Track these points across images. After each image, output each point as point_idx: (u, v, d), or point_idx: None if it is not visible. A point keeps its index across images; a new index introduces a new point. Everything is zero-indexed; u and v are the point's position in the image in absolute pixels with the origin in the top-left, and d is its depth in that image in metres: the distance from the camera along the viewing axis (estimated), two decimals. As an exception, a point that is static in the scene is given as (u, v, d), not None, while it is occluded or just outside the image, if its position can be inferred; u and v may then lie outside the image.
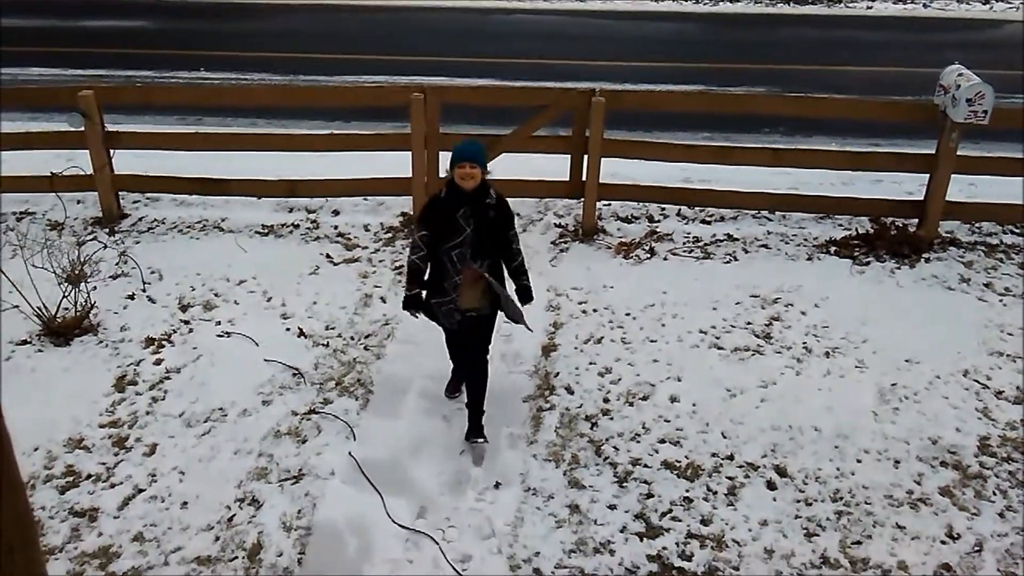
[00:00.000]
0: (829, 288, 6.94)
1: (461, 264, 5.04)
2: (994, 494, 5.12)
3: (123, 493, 5.20)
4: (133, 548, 4.85)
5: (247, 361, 6.21)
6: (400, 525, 4.91)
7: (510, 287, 5.31)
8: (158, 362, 6.25)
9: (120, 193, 8.22)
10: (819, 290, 6.92)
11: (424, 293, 5.24)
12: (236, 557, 4.78)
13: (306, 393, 5.93)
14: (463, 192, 4.98)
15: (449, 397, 5.82)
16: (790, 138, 9.83)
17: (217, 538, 4.90)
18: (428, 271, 5.18)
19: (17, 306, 6.48)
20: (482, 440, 5.39)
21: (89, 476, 5.32)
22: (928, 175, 7.43)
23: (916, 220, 7.61)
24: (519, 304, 5.31)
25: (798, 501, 5.10)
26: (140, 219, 8.19)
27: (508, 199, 5.19)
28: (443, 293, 5.16)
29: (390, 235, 7.88)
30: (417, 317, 5.30)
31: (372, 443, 5.47)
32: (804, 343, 6.34)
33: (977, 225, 7.86)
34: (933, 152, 7.36)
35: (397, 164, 7.77)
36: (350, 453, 5.40)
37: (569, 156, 7.76)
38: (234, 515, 5.04)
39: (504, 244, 5.19)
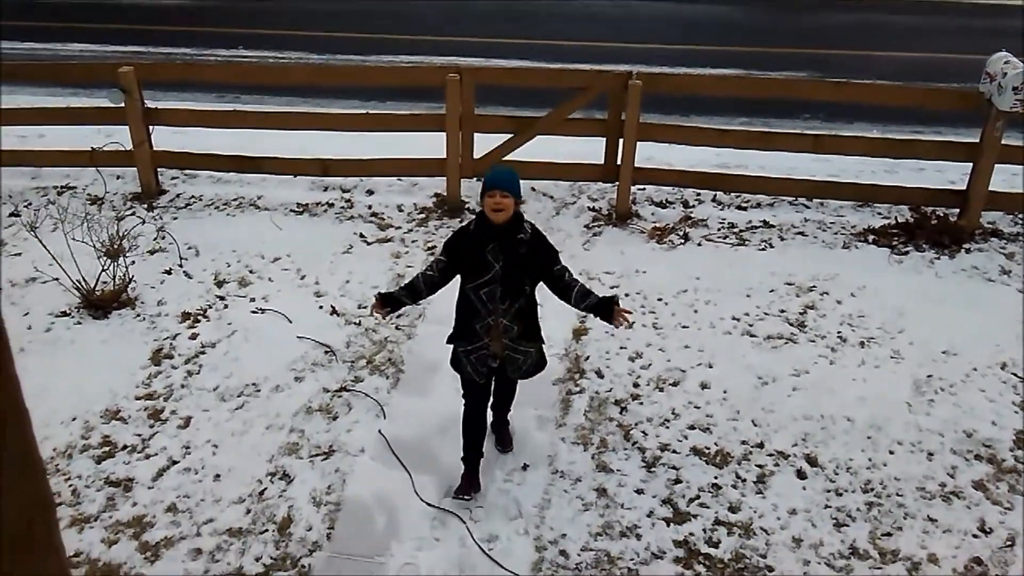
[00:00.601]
0: (866, 277, 6.85)
1: (491, 304, 4.53)
2: (1029, 489, 5.05)
3: (158, 464, 5.29)
4: (166, 518, 4.94)
5: (280, 338, 6.27)
6: (428, 503, 4.95)
7: (565, 319, 4.94)
8: (193, 336, 6.34)
9: (159, 169, 8.32)
10: (856, 279, 6.83)
11: (450, 342, 4.80)
12: (266, 530, 4.85)
13: (338, 371, 5.98)
14: (493, 226, 4.47)
15: (464, 497, 4.88)
16: (830, 124, 9.69)
17: (248, 511, 4.97)
18: (455, 314, 4.72)
19: (57, 279, 6.60)
20: (509, 449, 5.23)
21: (125, 447, 5.42)
22: (971, 164, 7.29)
23: (957, 210, 7.47)
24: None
25: (828, 491, 5.06)
26: (178, 195, 8.28)
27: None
28: (473, 337, 4.63)
29: (423, 216, 7.89)
30: (379, 317, 4.98)
31: (402, 422, 5.51)
32: (839, 332, 6.27)
33: (1020, 216, 7.70)
34: (977, 141, 7.22)
35: (432, 145, 7.78)
36: (380, 431, 5.44)
37: (604, 139, 7.72)
38: (265, 489, 5.11)
39: (555, 279, 4.62)
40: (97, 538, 4.82)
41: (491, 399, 4.98)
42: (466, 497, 4.86)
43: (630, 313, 4.67)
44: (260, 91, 10.65)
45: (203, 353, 6.18)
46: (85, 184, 8.41)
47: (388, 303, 4.78)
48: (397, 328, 6.39)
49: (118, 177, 8.42)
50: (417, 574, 4.56)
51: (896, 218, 7.58)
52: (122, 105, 7.79)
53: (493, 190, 4.43)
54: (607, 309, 4.57)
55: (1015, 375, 5.84)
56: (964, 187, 7.43)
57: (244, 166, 8.25)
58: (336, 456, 5.30)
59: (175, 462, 5.31)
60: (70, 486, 5.15)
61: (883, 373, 5.89)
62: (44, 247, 6.55)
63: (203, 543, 4.79)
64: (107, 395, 5.80)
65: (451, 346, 4.80)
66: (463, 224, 4.75)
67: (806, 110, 9.95)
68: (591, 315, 4.78)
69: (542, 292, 4.72)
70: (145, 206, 8.05)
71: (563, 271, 4.64)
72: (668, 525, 4.86)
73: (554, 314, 6.38)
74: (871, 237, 7.42)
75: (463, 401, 4.90)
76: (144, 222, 7.53)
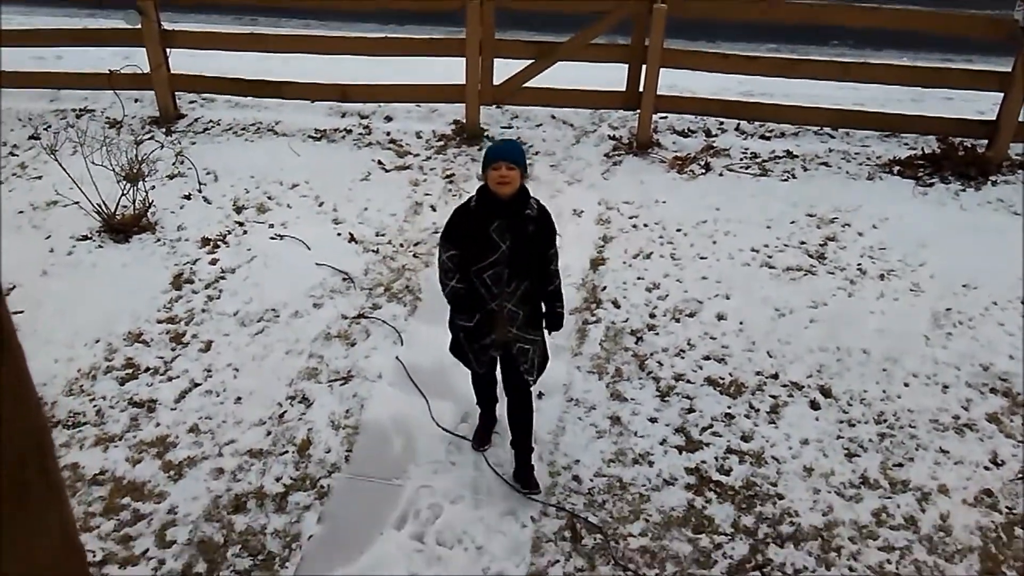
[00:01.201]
0: (889, 209, 6.76)
1: (497, 287, 4.21)
2: (1044, 423, 5.06)
3: (180, 387, 5.40)
4: (189, 439, 5.06)
5: (299, 264, 6.31)
6: (444, 429, 5.03)
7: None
8: (213, 262, 6.38)
9: (176, 93, 8.28)
10: (879, 211, 6.75)
11: (450, 325, 4.50)
12: (286, 452, 4.96)
13: (356, 298, 6.03)
14: (498, 201, 4.13)
15: (477, 449, 4.88)
16: (859, 51, 9.43)
17: (269, 432, 5.08)
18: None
19: (78, 202, 6.64)
20: (536, 491, 4.64)
21: (147, 369, 5.52)
22: (1002, 94, 7.11)
23: (986, 141, 7.32)
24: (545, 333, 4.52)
25: (841, 422, 5.09)
26: (196, 119, 8.25)
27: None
28: (475, 324, 4.36)
29: (442, 143, 7.83)
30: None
31: (419, 348, 5.56)
32: (859, 264, 6.22)
33: (1050, 148, 7.54)
34: (1009, 70, 7.02)
35: (451, 71, 7.67)
36: (397, 357, 5.51)
37: (627, 66, 7.57)
38: (285, 412, 5.21)
39: (542, 264, 4.32)
40: (122, 456, 4.95)
41: (507, 419, 4.66)
42: (477, 448, 4.87)
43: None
44: (277, 13, 10.48)
45: (223, 278, 6.24)
46: (103, 107, 8.39)
47: (476, 333, 4.38)
48: (415, 256, 6.41)
49: (136, 100, 8.39)
50: (433, 498, 4.67)
51: (923, 149, 7.43)
52: (139, 27, 7.71)
53: (498, 162, 4.08)
54: (557, 324, 4.50)
55: (1036, 310, 5.80)
56: (994, 117, 7.26)
57: (262, 90, 8.18)
58: (354, 381, 5.38)
59: (197, 384, 5.41)
60: (95, 406, 5.27)
61: (902, 306, 5.86)
62: (64, 170, 6.58)
63: (225, 463, 4.91)
64: (129, 318, 5.88)
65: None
66: (460, 205, 4.34)
67: (834, 36, 9.69)
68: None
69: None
70: (163, 130, 8.03)
71: (554, 256, 4.37)
72: (680, 453, 4.92)
73: (573, 243, 6.39)
74: (896, 168, 7.30)
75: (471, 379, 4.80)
76: (163, 146, 7.52)
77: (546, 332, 4.52)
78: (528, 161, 7.39)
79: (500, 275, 4.19)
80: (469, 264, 4.21)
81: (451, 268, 4.27)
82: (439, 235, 4.53)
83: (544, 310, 4.45)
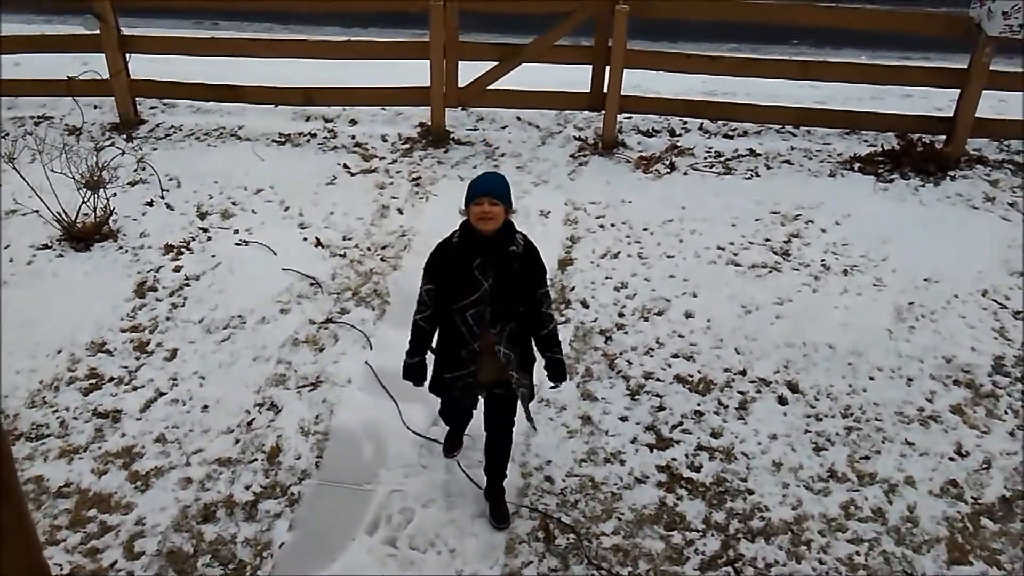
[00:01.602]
0: (851, 205, 6.86)
1: (479, 327, 4.01)
2: (1005, 413, 5.15)
3: (145, 396, 5.32)
4: (156, 448, 4.99)
5: (265, 270, 6.25)
6: (415, 432, 5.01)
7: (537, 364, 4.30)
8: (177, 269, 6.31)
9: (137, 99, 8.17)
10: (841, 207, 6.84)
11: (432, 363, 4.30)
12: (256, 459, 4.91)
13: (323, 302, 5.99)
14: (480, 237, 3.92)
15: (448, 455, 4.80)
16: (819, 50, 9.55)
17: (237, 440, 5.03)
18: (437, 336, 4.23)
19: (37, 211, 6.53)
20: (507, 524, 4.52)
21: (112, 379, 5.44)
22: (959, 90, 7.24)
23: (944, 136, 7.45)
24: (549, 378, 4.31)
25: (808, 416, 5.15)
26: (157, 125, 8.15)
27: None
28: (458, 364, 4.13)
29: (408, 146, 7.81)
30: (420, 385, 4.32)
31: (388, 352, 5.51)
32: (823, 260, 6.30)
33: (1006, 143, 7.68)
34: (965, 67, 7.15)
35: (416, 74, 7.64)
36: (367, 362, 5.48)
37: (591, 67, 7.61)
38: (253, 419, 5.16)
39: (532, 306, 4.09)
40: (87, 468, 4.87)
41: (484, 454, 4.52)
42: (448, 455, 4.79)
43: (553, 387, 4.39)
44: (239, 17, 10.37)
45: (187, 285, 6.17)
46: (62, 114, 8.25)
47: (415, 373, 4.25)
48: (383, 260, 6.38)
49: (96, 107, 8.27)
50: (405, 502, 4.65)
51: (882, 145, 7.55)
52: (97, 32, 7.60)
53: (480, 197, 3.87)
54: (558, 376, 4.27)
55: (996, 302, 5.91)
56: (951, 114, 7.39)
57: (224, 95, 8.10)
58: (323, 387, 5.35)
59: (162, 393, 5.34)
60: (58, 418, 5.19)
61: (865, 300, 5.94)
62: (23, 178, 6.46)
63: (193, 472, 4.85)
64: (92, 327, 5.79)
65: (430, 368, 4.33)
66: (443, 241, 4.09)
67: (794, 35, 9.81)
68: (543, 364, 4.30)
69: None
70: (124, 136, 7.92)
71: (545, 297, 4.14)
72: (651, 451, 4.94)
73: (541, 244, 6.38)
74: (857, 165, 7.40)
75: (439, 408, 4.65)
76: (123, 153, 7.42)
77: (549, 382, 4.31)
78: (495, 164, 7.45)
79: (483, 314, 3.97)
80: (451, 302, 4.01)
81: (425, 303, 4.11)
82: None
83: (543, 359, 4.23)
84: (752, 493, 4.72)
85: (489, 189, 3.90)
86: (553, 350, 4.22)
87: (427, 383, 4.35)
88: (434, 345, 4.26)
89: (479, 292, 3.94)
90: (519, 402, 4.24)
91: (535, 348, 4.23)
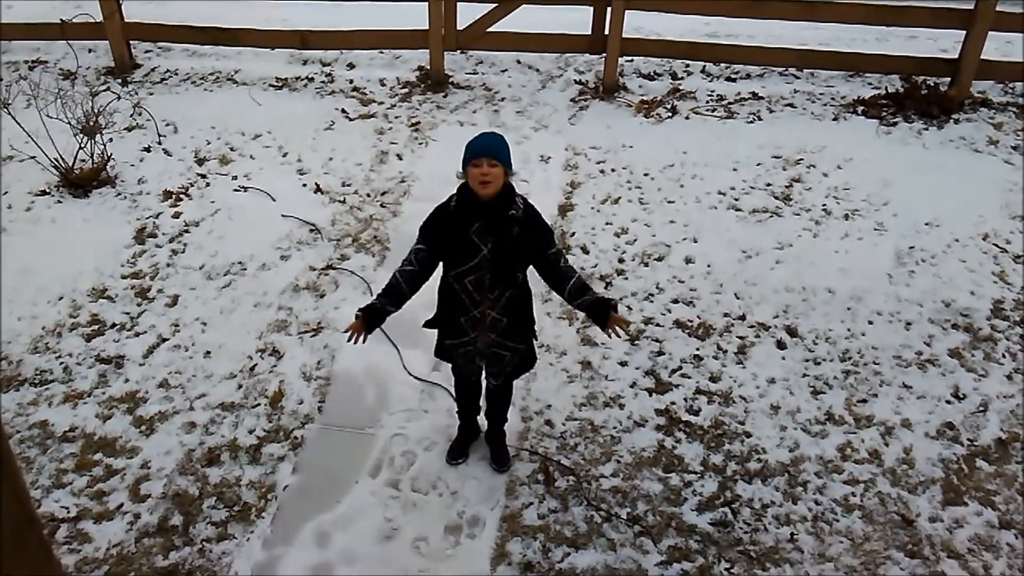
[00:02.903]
0: (853, 149, 6.80)
1: (479, 294, 3.91)
2: (1003, 356, 5.18)
3: (147, 342, 5.35)
4: (159, 394, 5.03)
5: (264, 216, 6.24)
6: (416, 377, 5.05)
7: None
8: (177, 215, 6.29)
9: (131, 42, 8.06)
10: (843, 151, 6.79)
11: (436, 330, 4.22)
12: (259, 404, 4.95)
13: (323, 249, 5.98)
14: (478, 201, 3.78)
15: (451, 463, 4.60)
16: (823, -9, 9.39)
17: (240, 386, 5.07)
18: (438, 303, 4.13)
19: (34, 157, 6.50)
20: (507, 467, 4.59)
21: (114, 325, 5.47)
22: (964, 32, 7.14)
23: (948, 79, 7.36)
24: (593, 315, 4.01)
25: (807, 360, 5.18)
26: (153, 69, 8.06)
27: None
28: (459, 332, 4.06)
29: (406, 90, 7.72)
30: (359, 340, 3.98)
31: (389, 298, 5.54)
32: (824, 205, 6.27)
33: (1011, 85, 7.59)
34: (971, 8, 7.04)
35: (414, 16, 7.53)
36: (367, 307, 5.49)
37: (592, 8, 7.49)
38: (256, 364, 5.19)
39: (549, 267, 3.96)
40: (91, 413, 4.92)
41: (483, 403, 4.55)
42: (451, 461, 4.60)
43: (628, 324, 4.02)
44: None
45: (187, 232, 6.16)
46: (56, 58, 8.16)
47: (371, 318, 3.98)
48: (383, 206, 6.36)
49: (90, 51, 8.17)
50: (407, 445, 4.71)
51: (886, 88, 7.47)
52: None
53: (479, 158, 3.72)
54: (603, 312, 3.92)
55: (996, 246, 5.90)
56: (956, 56, 7.30)
57: (220, 38, 7.99)
58: (325, 332, 5.37)
59: (165, 339, 5.37)
60: (61, 364, 5.22)
61: (866, 245, 5.93)
62: (18, 124, 6.41)
63: (197, 417, 4.90)
64: (93, 274, 5.80)
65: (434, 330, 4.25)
66: (441, 204, 3.95)
67: (799, -24, 9.63)
68: (584, 315, 4.07)
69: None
70: (119, 81, 7.84)
71: (558, 255, 3.97)
72: (650, 395, 4.98)
73: (541, 189, 6.38)
74: (860, 108, 7.33)
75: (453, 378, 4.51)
76: (119, 98, 7.36)
77: (610, 334, 3.97)
78: (494, 109, 7.38)
79: (482, 280, 3.86)
80: (449, 268, 3.91)
81: (411, 261, 3.97)
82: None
83: (585, 305, 3.97)
84: (750, 436, 4.77)
85: (488, 149, 3.74)
86: (587, 296, 3.96)
87: (433, 350, 4.31)
88: (435, 312, 4.15)
89: (477, 258, 3.82)
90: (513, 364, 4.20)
91: (576, 305, 4.01)
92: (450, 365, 4.43)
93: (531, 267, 4.01)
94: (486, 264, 3.83)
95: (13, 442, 4.70)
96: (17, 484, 2.51)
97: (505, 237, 3.82)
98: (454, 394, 4.61)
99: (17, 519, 2.48)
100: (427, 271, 3.99)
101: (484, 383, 4.47)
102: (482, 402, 4.58)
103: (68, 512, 4.40)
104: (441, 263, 3.98)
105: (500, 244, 3.81)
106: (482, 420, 4.65)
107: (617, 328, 3.93)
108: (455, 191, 3.89)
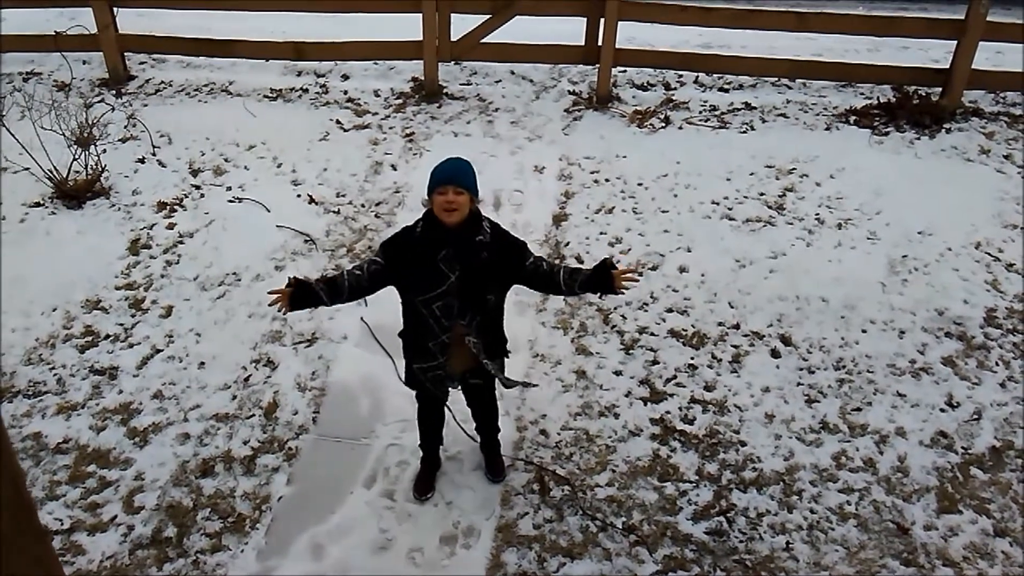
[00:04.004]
0: (846, 159, 6.83)
1: (448, 320, 3.82)
2: (996, 364, 5.19)
3: (141, 353, 5.34)
4: (153, 405, 5.02)
5: (259, 227, 6.24)
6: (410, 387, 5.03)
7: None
8: (171, 226, 6.29)
9: (126, 54, 8.07)
10: (836, 161, 6.81)
11: (403, 354, 4.15)
12: (253, 415, 4.95)
13: (318, 259, 5.98)
14: (445, 228, 3.70)
15: (419, 499, 4.46)
16: (815, 1, 9.46)
17: (234, 397, 5.06)
18: (404, 326, 4.03)
19: (28, 168, 6.49)
20: (501, 479, 4.56)
21: (107, 336, 5.46)
22: (955, 42, 7.18)
23: (940, 89, 7.40)
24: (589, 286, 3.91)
25: (801, 369, 5.19)
26: (147, 81, 8.06)
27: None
28: (427, 356, 3.96)
29: (401, 101, 7.74)
30: (280, 308, 3.83)
31: (383, 308, 5.46)
32: (817, 214, 6.29)
33: (1002, 95, 7.64)
34: (962, 18, 7.09)
35: (408, 27, 7.56)
36: (362, 318, 5.49)
37: (585, 19, 7.52)
38: (250, 375, 5.18)
39: (532, 275, 3.90)
40: (85, 424, 4.91)
41: (473, 418, 4.50)
42: (419, 497, 4.48)
43: (635, 272, 3.88)
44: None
45: (181, 243, 6.15)
46: (50, 70, 8.16)
47: (301, 296, 3.82)
48: (377, 216, 6.37)
49: (84, 62, 8.17)
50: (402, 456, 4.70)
51: (878, 98, 7.50)
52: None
53: (444, 186, 3.64)
54: (605, 276, 3.81)
55: (989, 254, 5.92)
56: (947, 65, 7.34)
57: (214, 50, 8.00)
58: (319, 343, 5.37)
59: (159, 350, 5.36)
60: (55, 375, 5.21)
61: (859, 254, 5.95)
62: (12, 136, 6.41)
63: (191, 428, 4.89)
64: (87, 285, 5.79)
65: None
66: (407, 226, 3.90)
67: (791, -13, 9.69)
68: (592, 293, 4.00)
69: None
70: (113, 92, 7.84)
71: (537, 262, 3.91)
72: (645, 404, 4.99)
73: (535, 199, 6.39)
74: (852, 118, 7.37)
75: (416, 405, 4.40)
76: (113, 109, 7.36)
77: (624, 291, 3.87)
78: (488, 119, 7.40)
79: (450, 307, 3.79)
80: (416, 294, 3.81)
81: (363, 268, 3.87)
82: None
83: (584, 282, 3.87)
84: (744, 444, 4.77)
85: (452, 176, 3.67)
86: (581, 274, 3.87)
87: (402, 376, 4.27)
88: (402, 334, 4.08)
89: (445, 285, 3.74)
90: (496, 381, 4.16)
91: (578, 289, 3.91)
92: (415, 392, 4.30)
93: (516, 284, 3.96)
94: (454, 291, 3.76)
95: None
96: (14, 471, 2.50)
97: (473, 264, 3.74)
98: (418, 425, 4.46)
99: (14, 505, 2.47)
100: (374, 287, 3.89)
101: (447, 413, 4.44)
102: (451, 429, 4.52)
103: (61, 524, 4.39)
104: (398, 287, 3.89)
105: (468, 271, 3.74)
106: (471, 431, 4.65)
107: (627, 283, 3.82)
108: (421, 216, 3.82)
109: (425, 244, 3.74)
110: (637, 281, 4.03)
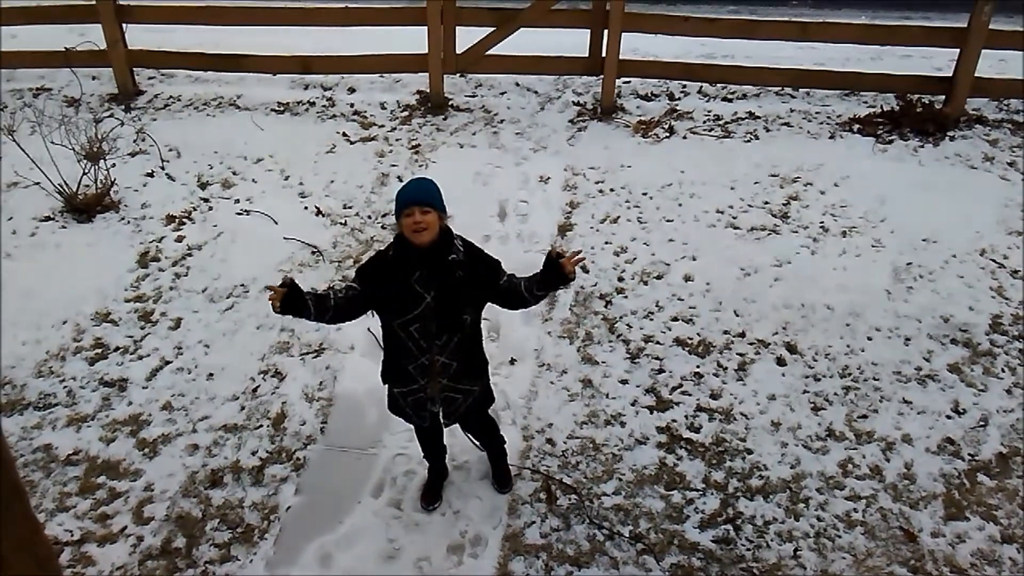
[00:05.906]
0: (850, 167, 6.85)
1: (426, 341, 3.79)
2: (1002, 371, 5.20)
3: (151, 365, 5.39)
4: (162, 416, 5.06)
5: (267, 239, 6.29)
6: (418, 397, 5.06)
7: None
8: (180, 239, 6.34)
9: (135, 69, 8.15)
10: (840, 169, 6.84)
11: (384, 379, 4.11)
12: (261, 425, 4.98)
13: (325, 271, 6.03)
14: (417, 250, 3.67)
15: (427, 508, 4.51)
16: (818, 11, 9.49)
17: (243, 407, 5.09)
18: (383, 351, 4.03)
19: (39, 183, 6.56)
20: (509, 489, 4.60)
21: (117, 348, 5.50)
22: (958, 49, 7.21)
23: (943, 96, 7.42)
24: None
25: (807, 377, 5.20)
26: (156, 95, 8.14)
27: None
28: (407, 379, 3.95)
29: (407, 113, 7.80)
30: (272, 303, 3.75)
31: (390, 319, 5.57)
32: (821, 222, 6.31)
33: (1005, 102, 7.65)
34: (964, 26, 7.11)
35: (414, 41, 7.61)
36: (369, 329, 5.52)
37: (589, 31, 7.57)
38: (258, 386, 5.22)
39: (504, 293, 3.87)
40: (95, 436, 4.95)
41: (468, 436, 4.51)
42: (426, 506, 4.51)
43: (578, 253, 3.81)
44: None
45: (190, 255, 6.20)
46: (61, 86, 8.24)
47: (293, 300, 3.76)
48: (383, 228, 6.41)
49: (94, 78, 8.25)
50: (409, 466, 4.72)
51: (881, 106, 7.53)
52: (93, 2, 7.57)
53: (410, 207, 3.62)
54: (554, 268, 3.71)
55: (993, 261, 5.93)
56: (950, 73, 7.36)
57: (223, 64, 8.07)
58: (327, 354, 5.40)
59: (168, 362, 5.40)
60: (65, 387, 5.25)
61: (864, 262, 5.96)
62: (23, 151, 6.48)
63: (200, 439, 4.92)
64: (97, 298, 5.84)
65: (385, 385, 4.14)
66: (380, 251, 3.92)
67: (794, -3, 9.75)
68: (551, 290, 3.96)
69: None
70: (123, 107, 7.92)
71: (509, 280, 3.87)
72: (651, 413, 5.00)
73: (541, 209, 6.43)
74: (856, 126, 7.39)
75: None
76: (123, 124, 7.44)
77: (574, 275, 3.77)
78: (494, 131, 7.45)
79: (427, 329, 3.76)
80: (393, 317, 3.79)
81: (343, 292, 3.84)
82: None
83: (543, 282, 3.79)
84: (751, 452, 4.78)
85: (416, 197, 3.65)
86: (535, 276, 3.80)
87: (386, 402, 4.23)
88: (382, 360, 4.06)
89: (421, 307, 3.71)
90: (481, 397, 4.12)
91: (539, 291, 3.84)
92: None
93: (489, 303, 3.92)
94: (430, 312, 3.73)
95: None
96: (3, 453, 2.54)
97: (448, 282, 3.72)
98: (418, 441, 4.45)
99: (2, 487, 2.51)
100: (354, 313, 3.88)
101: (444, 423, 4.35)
102: (451, 440, 4.47)
103: (72, 535, 4.42)
104: (376, 312, 3.89)
105: (443, 291, 3.72)
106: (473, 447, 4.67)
107: (572, 261, 3.72)
108: (392, 240, 3.80)
109: (398, 267, 3.72)
110: (583, 259, 3.87)
